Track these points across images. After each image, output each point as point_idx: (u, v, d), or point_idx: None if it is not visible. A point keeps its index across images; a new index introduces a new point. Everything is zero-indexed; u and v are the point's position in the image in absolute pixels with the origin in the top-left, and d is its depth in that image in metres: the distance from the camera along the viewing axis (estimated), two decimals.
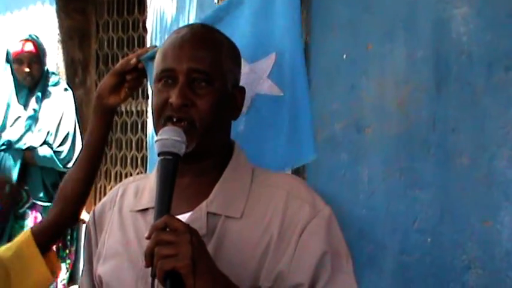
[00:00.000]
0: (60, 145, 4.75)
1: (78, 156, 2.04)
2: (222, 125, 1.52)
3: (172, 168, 1.37)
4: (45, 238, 1.97)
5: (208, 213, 1.46)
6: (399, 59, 2.92)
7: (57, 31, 6.05)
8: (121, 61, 1.96)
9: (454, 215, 2.69)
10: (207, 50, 1.50)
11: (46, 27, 5.93)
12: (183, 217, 1.43)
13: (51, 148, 4.72)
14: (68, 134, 4.80)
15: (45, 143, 4.71)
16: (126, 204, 1.58)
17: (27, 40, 4.71)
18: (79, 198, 1.99)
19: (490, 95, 2.61)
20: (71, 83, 5.29)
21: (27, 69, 4.67)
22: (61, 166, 4.72)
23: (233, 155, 1.54)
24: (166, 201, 1.33)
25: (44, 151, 4.69)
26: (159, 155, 1.39)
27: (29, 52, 4.68)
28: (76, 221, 2.06)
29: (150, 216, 1.45)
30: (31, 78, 4.71)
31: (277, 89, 1.80)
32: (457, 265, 2.65)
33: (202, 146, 1.47)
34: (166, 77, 1.48)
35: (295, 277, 1.41)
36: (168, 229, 1.27)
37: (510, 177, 2.53)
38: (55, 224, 1.99)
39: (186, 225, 1.29)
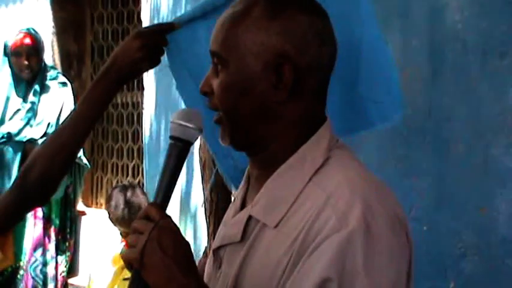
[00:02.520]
0: None
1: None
2: (256, 112, 1.24)
3: (175, 155, 1.25)
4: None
5: (250, 216, 1.26)
6: (395, 47, 2.91)
7: (52, 24, 6.04)
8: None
9: (450, 203, 2.69)
10: (224, 26, 1.26)
11: (41, 20, 5.92)
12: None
13: None
14: None
15: (45, 135, 4.71)
16: None
17: (25, 33, 4.70)
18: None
19: (485, 82, 2.61)
20: (66, 75, 5.28)
21: (25, 62, 4.67)
22: None
23: (305, 143, 1.25)
24: (162, 188, 1.24)
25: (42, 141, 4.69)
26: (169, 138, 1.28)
27: (27, 45, 4.67)
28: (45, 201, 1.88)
29: (236, 205, 1.36)
30: (30, 71, 4.71)
31: None
32: (453, 253, 2.65)
33: (240, 137, 1.28)
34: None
35: None
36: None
37: (506, 165, 2.53)
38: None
39: (160, 214, 1.19)
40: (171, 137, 1.26)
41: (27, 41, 4.67)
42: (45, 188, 1.78)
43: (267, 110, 1.24)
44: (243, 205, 1.33)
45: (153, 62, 1.72)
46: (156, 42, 1.71)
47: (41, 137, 4.67)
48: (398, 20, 2.92)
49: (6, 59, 4.70)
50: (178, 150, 1.25)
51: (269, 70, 1.22)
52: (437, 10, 2.76)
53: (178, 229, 1.21)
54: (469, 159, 2.64)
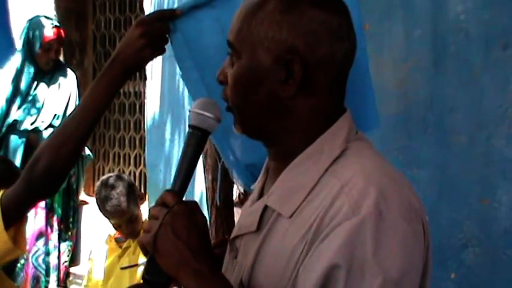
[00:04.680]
0: None
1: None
2: (265, 106, 1.23)
3: (193, 144, 1.28)
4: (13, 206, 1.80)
5: (266, 206, 1.26)
6: (397, 38, 2.91)
7: (54, 12, 6.04)
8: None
9: (451, 194, 2.69)
10: (239, 17, 1.26)
11: (43, 8, 5.91)
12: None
13: None
14: None
15: (50, 125, 4.72)
16: None
17: (57, 28, 4.75)
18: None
19: (487, 73, 2.60)
20: (68, 64, 5.27)
21: (53, 56, 4.72)
22: None
23: (322, 135, 1.24)
24: (180, 176, 1.27)
25: (49, 134, 4.70)
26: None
27: (58, 38, 4.73)
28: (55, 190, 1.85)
29: (254, 195, 1.36)
30: (53, 63, 4.76)
31: None
32: (454, 243, 2.65)
33: (250, 128, 1.29)
34: None
35: None
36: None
37: (508, 156, 2.54)
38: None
39: (175, 200, 1.22)
40: (190, 126, 1.28)
41: (59, 35, 4.73)
42: (51, 180, 1.76)
43: (276, 104, 1.23)
44: (260, 196, 1.32)
45: (157, 50, 1.68)
46: (158, 29, 1.68)
47: (46, 128, 4.68)
48: (401, 10, 2.91)
49: (22, 48, 4.71)
50: (197, 139, 1.28)
51: (279, 65, 1.20)
52: (440, 1, 2.76)
53: (193, 214, 1.21)
54: (471, 150, 2.64)
